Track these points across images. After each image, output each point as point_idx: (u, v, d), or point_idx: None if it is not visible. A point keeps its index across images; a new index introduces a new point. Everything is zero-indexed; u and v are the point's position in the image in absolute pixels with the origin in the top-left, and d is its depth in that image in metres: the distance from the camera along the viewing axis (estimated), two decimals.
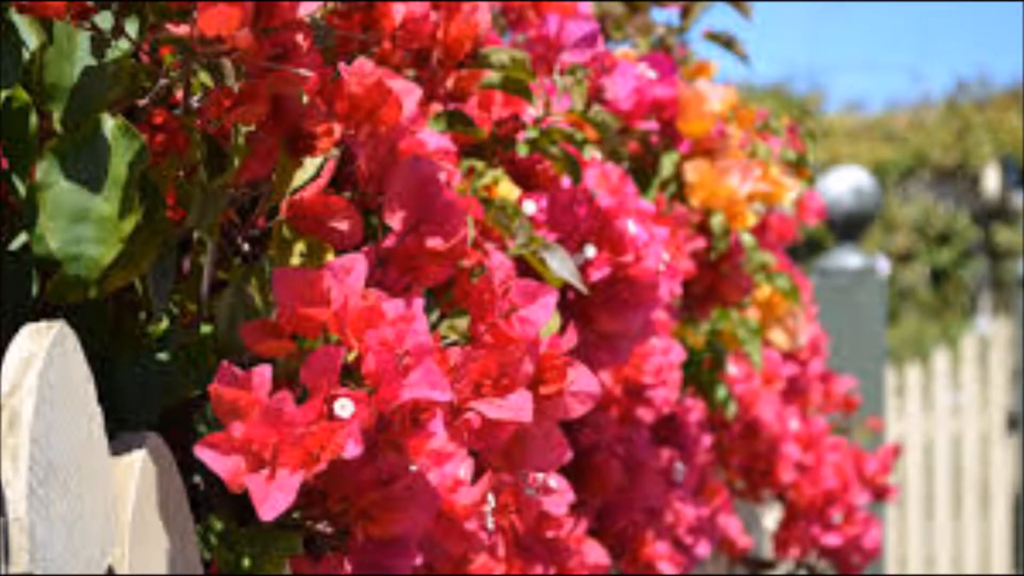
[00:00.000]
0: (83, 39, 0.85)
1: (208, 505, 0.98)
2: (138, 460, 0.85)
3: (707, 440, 1.98)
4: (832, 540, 2.51)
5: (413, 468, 0.87)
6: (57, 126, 0.84)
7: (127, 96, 0.87)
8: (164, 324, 0.95)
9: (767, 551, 2.78)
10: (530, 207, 1.31)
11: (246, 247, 0.98)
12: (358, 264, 0.86)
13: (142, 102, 0.88)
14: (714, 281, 1.83)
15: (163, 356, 0.94)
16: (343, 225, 0.94)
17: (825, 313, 3.36)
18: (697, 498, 1.89)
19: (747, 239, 1.96)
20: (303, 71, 0.84)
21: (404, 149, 0.95)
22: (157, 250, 0.88)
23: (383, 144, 0.94)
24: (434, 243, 0.95)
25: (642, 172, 1.73)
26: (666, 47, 2.04)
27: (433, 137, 1.05)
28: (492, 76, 1.27)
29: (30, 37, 0.85)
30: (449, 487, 0.93)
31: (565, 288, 1.28)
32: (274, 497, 0.80)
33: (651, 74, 1.59)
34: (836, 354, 3.53)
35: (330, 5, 1.06)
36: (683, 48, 2.12)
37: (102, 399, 0.83)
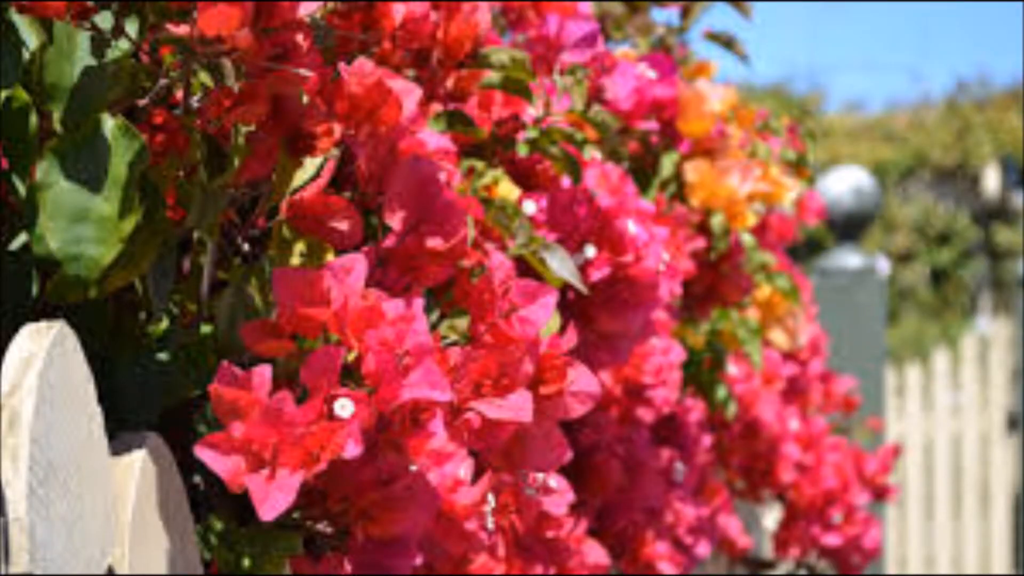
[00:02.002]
0: (83, 39, 0.85)
1: (208, 505, 0.98)
2: (138, 460, 0.85)
3: (707, 440, 1.98)
4: (832, 540, 2.51)
5: (413, 468, 0.87)
6: (57, 126, 0.84)
7: (127, 96, 0.87)
8: (164, 324, 0.95)
9: (767, 551, 2.78)
10: (530, 207, 1.31)
11: (246, 247, 0.98)
12: (358, 264, 0.86)
13: (142, 102, 0.88)
14: (714, 281, 1.83)
15: (163, 356, 0.94)
16: (343, 225, 0.94)
17: (825, 313, 3.36)
18: (697, 498, 1.89)
19: (747, 239, 1.96)
20: (303, 71, 0.84)
21: (404, 149, 0.95)
22: (157, 250, 0.88)
23: (383, 144, 0.94)
24: (434, 243, 0.95)
25: (642, 172, 1.73)
26: (666, 47, 2.04)
27: (433, 137, 1.05)
28: (492, 76, 1.27)
29: (30, 37, 0.85)
30: (449, 487, 0.93)
31: (565, 288, 1.28)
32: (274, 497, 0.80)
33: (651, 74, 1.59)
34: (836, 354, 3.53)
35: (330, 5, 1.06)
36: (683, 48, 2.12)
37: (102, 399, 0.83)
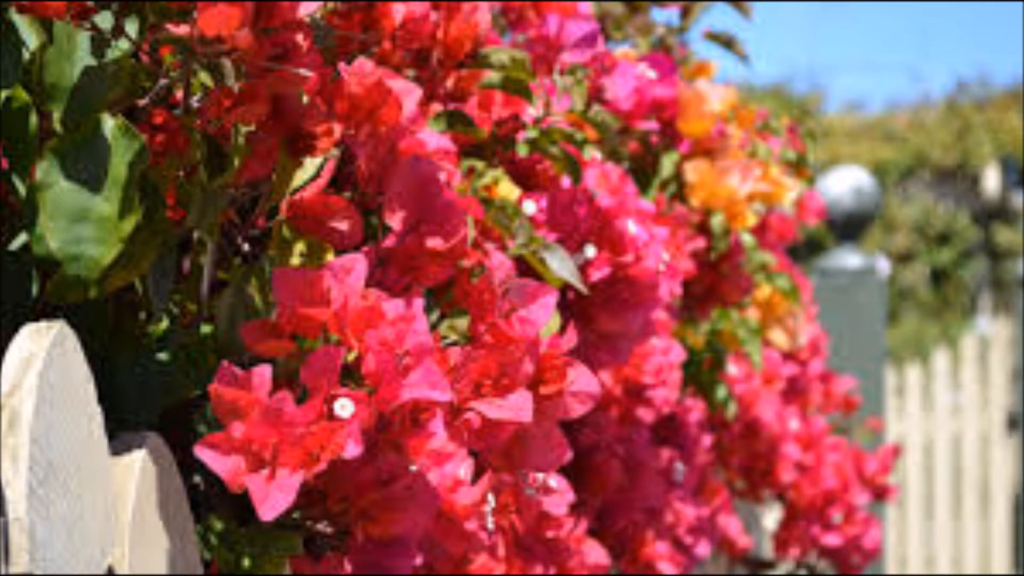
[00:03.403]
0: (83, 39, 0.85)
1: (208, 505, 0.98)
2: (138, 460, 0.85)
3: (707, 440, 1.98)
4: (832, 540, 2.51)
5: (413, 468, 0.87)
6: (57, 126, 0.84)
7: (127, 96, 0.87)
8: (164, 324, 0.95)
9: (767, 551, 2.78)
10: (530, 207, 1.31)
11: (246, 247, 0.98)
12: (358, 264, 0.86)
13: (142, 102, 0.88)
14: (714, 281, 1.83)
15: (163, 356, 0.94)
16: (343, 225, 0.94)
17: (825, 313, 3.36)
18: (697, 498, 1.89)
19: (747, 239, 1.97)
20: (303, 71, 0.84)
21: (404, 149, 0.95)
22: (157, 250, 0.88)
23: (383, 144, 0.94)
24: (434, 243, 0.95)
25: (642, 172, 1.73)
26: (666, 47, 2.04)
27: (433, 137, 1.05)
28: (492, 76, 1.27)
29: (30, 37, 0.85)
30: (449, 487, 0.93)
31: (565, 288, 1.28)
32: (274, 497, 0.80)
33: (651, 74, 1.59)
34: (836, 354, 3.53)
35: (330, 5, 1.06)
36: (683, 48, 2.12)
37: (102, 399, 0.83)
